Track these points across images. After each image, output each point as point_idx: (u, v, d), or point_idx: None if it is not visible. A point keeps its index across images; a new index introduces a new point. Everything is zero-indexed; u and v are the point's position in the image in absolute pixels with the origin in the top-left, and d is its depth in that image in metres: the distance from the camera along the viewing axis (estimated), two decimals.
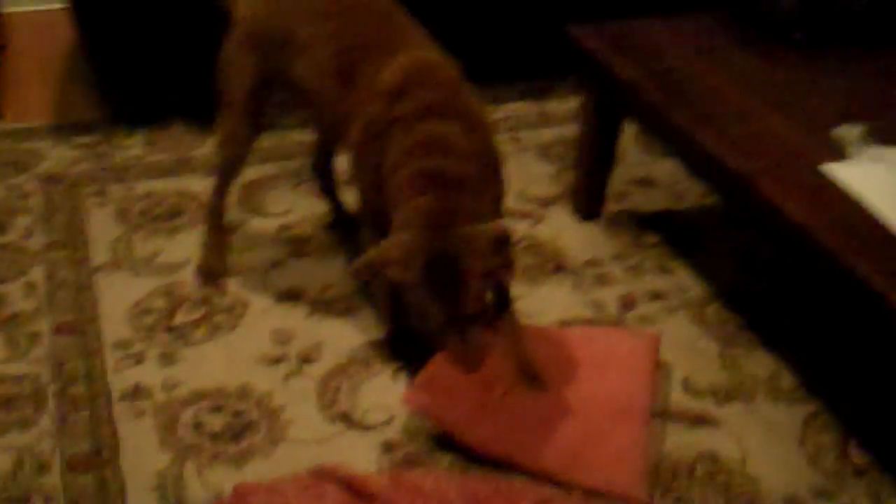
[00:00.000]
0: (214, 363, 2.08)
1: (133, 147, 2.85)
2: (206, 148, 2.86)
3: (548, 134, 3.00)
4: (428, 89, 1.87)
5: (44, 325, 2.17)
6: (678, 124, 2.11)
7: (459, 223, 1.73)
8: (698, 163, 2.13)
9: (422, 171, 1.79)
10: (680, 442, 1.92)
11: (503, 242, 1.74)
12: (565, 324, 2.21)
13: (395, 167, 1.83)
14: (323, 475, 1.74)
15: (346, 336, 2.16)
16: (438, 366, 1.90)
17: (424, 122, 1.84)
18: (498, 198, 1.97)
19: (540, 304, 2.27)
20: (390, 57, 1.93)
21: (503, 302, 2.01)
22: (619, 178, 2.72)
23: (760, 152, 1.98)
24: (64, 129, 2.93)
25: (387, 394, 2.02)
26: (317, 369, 2.07)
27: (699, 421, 1.97)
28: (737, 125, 2.08)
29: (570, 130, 2.93)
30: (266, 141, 2.82)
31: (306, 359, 2.10)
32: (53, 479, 1.81)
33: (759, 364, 2.11)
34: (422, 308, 1.74)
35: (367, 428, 1.94)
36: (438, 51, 2.01)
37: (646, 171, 2.82)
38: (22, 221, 2.52)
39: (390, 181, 1.83)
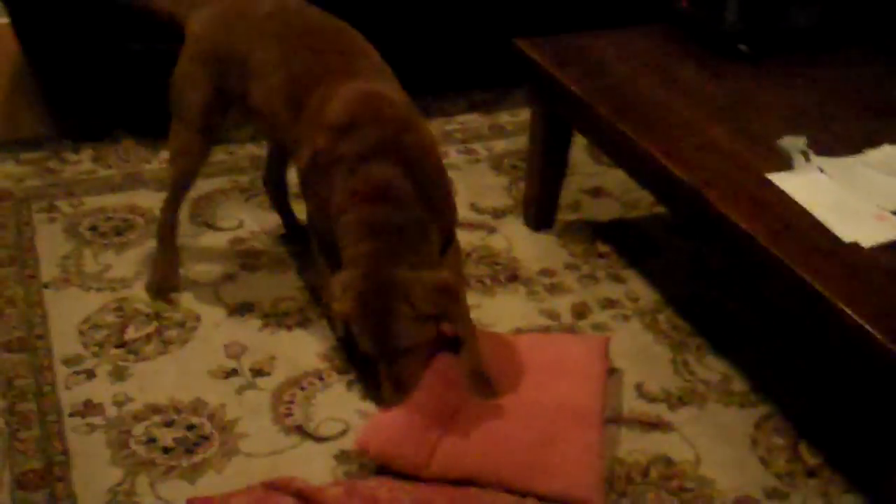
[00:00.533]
0: (166, 378, 2.06)
1: (82, 162, 2.83)
2: (155, 163, 2.84)
3: (499, 145, 3.02)
4: (372, 127, 1.87)
5: None
6: (625, 136, 2.14)
7: (398, 267, 1.79)
8: (645, 174, 2.16)
9: (364, 219, 1.83)
10: (634, 446, 1.94)
11: (444, 293, 1.80)
12: (520, 332, 2.22)
13: (339, 209, 1.86)
14: (277, 487, 1.73)
15: (298, 348, 2.15)
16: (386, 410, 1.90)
17: (368, 164, 1.84)
18: (448, 226, 1.99)
19: (495, 313, 2.28)
20: (337, 87, 1.93)
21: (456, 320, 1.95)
22: (571, 188, 2.74)
23: (706, 163, 2.01)
24: (11, 144, 2.90)
25: (341, 405, 2.01)
26: (270, 382, 2.06)
27: (652, 426, 1.99)
28: (683, 136, 2.11)
29: (522, 142, 2.95)
30: (217, 154, 2.81)
31: (259, 372, 2.09)
32: (3, 496, 1.78)
33: (711, 369, 2.14)
34: (357, 339, 1.84)
35: (321, 439, 1.93)
36: (388, 79, 2.03)
37: (597, 181, 2.84)
38: None
39: (336, 221, 1.87)
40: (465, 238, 2.54)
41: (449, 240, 2.01)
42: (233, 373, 2.08)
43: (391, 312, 1.78)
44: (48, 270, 2.37)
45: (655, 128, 2.14)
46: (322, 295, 2.17)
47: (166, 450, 1.89)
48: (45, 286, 2.31)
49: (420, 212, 1.85)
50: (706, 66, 2.42)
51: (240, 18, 2.10)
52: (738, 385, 2.09)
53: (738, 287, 2.38)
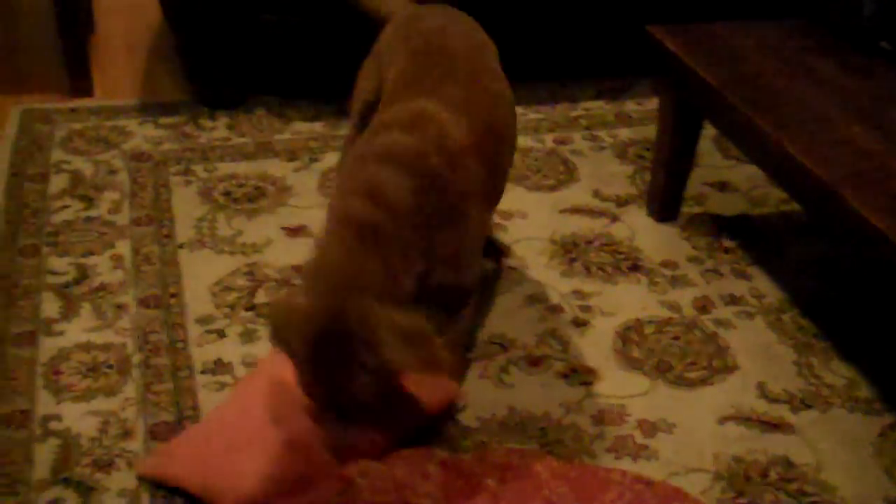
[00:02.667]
0: None
1: (217, 129, 2.91)
2: (286, 134, 2.90)
3: (625, 133, 3.00)
4: (409, 134, 1.69)
5: (129, 298, 2.22)
6: (760, 129, 2.11)
7: (363, 299, 1.49)
8: (779, 169, 2.13)
9: (342, 213, 1.59)
10: (753, 446, 1.92)
11: (418, 339, 1.49)
12: (639, 322, 2.22)
13: (332, 203, 1.68)
14: (426, 455, 1.76)
15: None
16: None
17: (380, 164, 1.66)
18: (455, 288, 1.74)
19: (615, 301, 2.28)
20: (407, 102, 1.79)
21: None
22: (697, 180, 2.72)
23: (842, 160, 1.97)
24: (150, 108, 3.00)
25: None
26: None
27: (774, 426, 1.97)
28: (820, 132, 2.07)
29: (647, 131, 2.94)
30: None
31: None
32: (136, 445, 1.86)
33: (836, 373, 2.10)
34: (302, 382, 1.55)
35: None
36: (475, 116, 1.80)
37: (724, 174, 2.81)
38: (110, 196, 2.58)
39: (328, 213, 1.68)
40: (586, 224, 2.55)
41: (456, 308, 1.78)
42: None
43: (350, 361, 1.48)
44: (183, 231, 2.45)
45: (791, 122, 2.11)
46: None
47: None
48: (181, 246, 2.40)
49: (410, 233, 1.60)
50: (846, 61, 2.36)
51: (403, 27, 2.08)
52: (864, 391, 2.06)
53: (868, 290, 2.33)
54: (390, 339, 1.47)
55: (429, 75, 1.85)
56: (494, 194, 1.92)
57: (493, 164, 1.83)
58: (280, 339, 1.54)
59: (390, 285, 1.55)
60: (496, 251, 2.39)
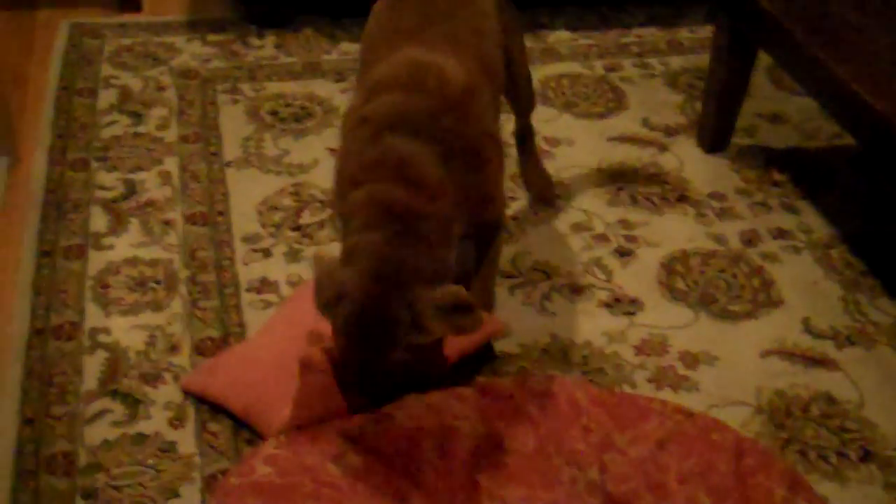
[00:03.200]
0: None
1: (264, 48, 2.90)
2: (334, 54, 2.88)
3: (676, 62, 2.95)
4: (409, 95, 1.63)
5: (177, 214, 2.24)
6: (820, 60, 2.06)
7: (409, 275, 1.51)
8: (837, 102, 2.08)
9: (377, 199, 1.56)
10: (795, 381, 1.92)
11: (460, 310, 1.51)
12: (685, 253, 2.20)
13: (353, 181, 1.62)
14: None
15: None
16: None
17: (393, 135, 1.61)
18: (488, 224, 1.75)
19: (661, 232, 2.27)
20: (397, 53, 1.73)
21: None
22: (749, 111, 2.67)
23: None
24: (198, 25, 2.99)
25: (503, 307, 2.04)
26: None
27: (817, 362, 1.96)
28: (882, 66, 2.02)
29: (700, 60, 2.88)
30: None
31: None
32: (182, 360, 1.89)
33: (883, 311, 2.08)
34: (343, 354, 1.58)
35: None
36: (471, 56, 1.75)
37: (777, 106, 2.76)
38: (157, 112, 2.59)
39: (349, 196, 1.62)
40: (634, 154, 2.52)
41: (488, 241, 1.79)
42: None
43: (392, 341, 1.52)
44: (230, 150, 2.46)
45: (848, 52, 2.06)
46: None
47: None
48: (227, 165, 2.41)
49: (446, 205, 1.59)
50: None
51: None
52: None
53: None
54: (435, 319, 1.50)
55: (407, 21, 1.81)
56: (497, 122, 1.90)
57: (491, 95, 1.80)
58: (325, 310, 1.56)
59: (436, 267, 1.56)
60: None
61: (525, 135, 2.30)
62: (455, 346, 1.75)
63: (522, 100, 2.22)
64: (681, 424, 1.72)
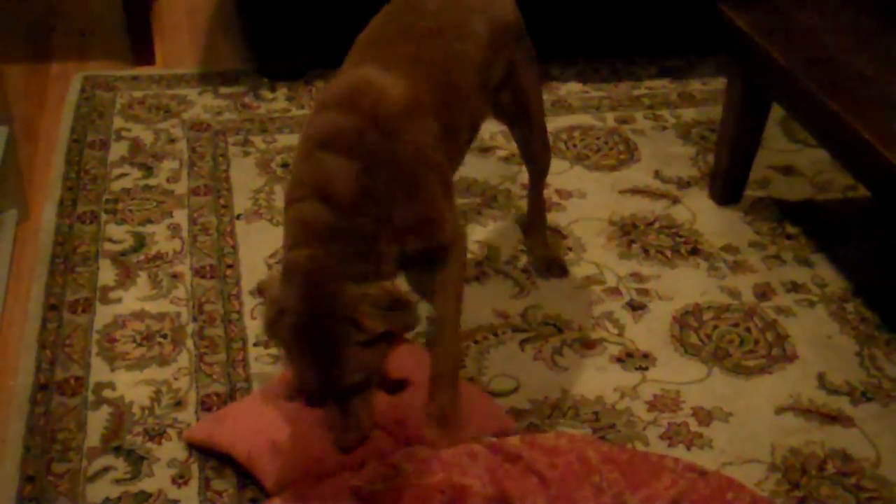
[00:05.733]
0: None
1: (276, 100, 2.90)
2: None
3: (688, 114, 2.94)
4: (344, 113, 1.67)
5: (185, 267, 2.23)
6: (834, 112, 2.05)
7: (341, 281, 1.56)
8: (851, 153, 2.07)
9: (303, 219, 1.62)
10: (811, 438, 1.88)
11: (396, 303, 1.58)
12: (698, 307, 2.18)
13: (288, 199, 1.69)
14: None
15: (475, 303, 2.16)
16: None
17: (325, 152, 1.65)
18: (436, 242, 1.73)
19: (674, 285, 2.24)
20: (351, 70, 1.78)
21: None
22: (761, 163, 2.65)
23: None
24: (210, 77, 3.00)
25: (513, 362, 2.02)
26: None
27: (832, 418, 1.92)
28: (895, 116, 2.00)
29: (712, 112, 2.87)
30: None
31: None
32: (188, 415, 1.87)
33: None
34: (295, 373, 1.63)
35: (492, 395, 1.94)
36: (421, 77, 1.75)
37: (789, 158, 2.74)
38: (168, 165, 2.59)
39: (285, 212, 1.70)
40: (647, 206, 2.50)
41: (442, 262, 1.77)
42: None
43: (337, 340, 1.55)
44: (240, 202, 2.45)
45: (862, 104, 2.04)
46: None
47: None
48: (237, 217, 2.40)
49: (367, 221, 1.61)
50: None
51: None
52: None
53: None
54: (372, 316, 1.55)
55: (386, 34, 1.85)
56: (456, 149, 1.87)
57: (448, 120, 1.78)
58: (269, 329, 1.62)
59: (364, 272, 1.59)
60: None
61: (535, 202, 2.27)
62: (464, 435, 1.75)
63: (538, 155, 2.19)
64: (694, 483, 1.69)
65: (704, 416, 1.92)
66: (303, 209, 1.63)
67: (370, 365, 1.60)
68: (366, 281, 1.58)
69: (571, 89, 3.01)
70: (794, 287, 2.25)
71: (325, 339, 1.55)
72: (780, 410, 1.94)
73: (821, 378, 2.01)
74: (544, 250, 2.28)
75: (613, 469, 1.69)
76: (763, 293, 2.23)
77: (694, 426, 1.89)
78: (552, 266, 2.26)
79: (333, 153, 1.64)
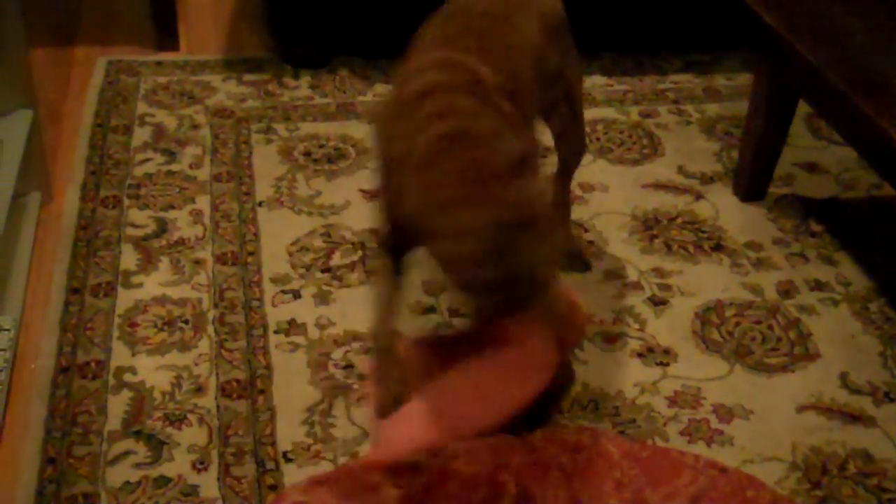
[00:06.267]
0: (367, 308, 2.11)
1: (300, 88, 2.90)
2: (369, 95, 2.88)
3: (713, 109, 2.92)
4: (443, 73, 1.65)
5: (207, 253, 2.23)
6: (861, 110, 2.03)
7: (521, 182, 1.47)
8: (878, 152, 2.04)
9: (445, 132, 1.53)
10: (832, 437, 1.87)
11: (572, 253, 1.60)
12: (720, 303, 2.16)
13: (408, 148, 1.58)
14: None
15: None
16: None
17: (434, 95, 1.60)
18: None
19: (696, 281, 2.23)
20: (426, 53, 1.76)
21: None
22: (786, 160, 2.63)
23: None
24: (234, 64, 3.00)
25: None
26: (466, 322, 2.08)
27: (855, 418, 1.91)
28: None
29: (736, 108, 2.85)
30: None
31: (456, 312, 2.11)
32: (208, 401, 1.87)
33: None
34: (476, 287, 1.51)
35: None
36: (501, 66, 1.74)
37: (814, 155, 2.72)
38: (191, 151, 2.59)
39: (407, 164, 1.57)
40: (670, 201, 2.49)
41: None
42: (430, 310, 2.11)
43: (531, 253, 1.46)
44: (262, 190, 2.45)
45: (890, 102, 2.02)
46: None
47: (362, 377, 1.93)
48: (259, 204, 2.40)
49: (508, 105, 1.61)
50: None
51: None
52: None
53: None
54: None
55: (445, 33, 1.81)
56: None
57: (521, 108, 1.77)
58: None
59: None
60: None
61: (561, 193, 2.21)
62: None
63: (573, 145, 2.16)
64: (715, 480, 1.68)
65: (725, 413, 1.91)
66: (437, 98, 1.57)
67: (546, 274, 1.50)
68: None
69: (596, 82, 2.99)
70: (818, 285, 2.24)
71: (522, 245, 1.44)
72: (802, 409, 1.93)
73: (843, 377, 2.00)
74: (568, 244, 2.27)
75: (634, 465, 1.69)
76: (786, 291, 2.22)
77: (714, 423, 1.88)
78: (575, 260, 2.24)
79: (447, 93, 1.58)
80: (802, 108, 2.64)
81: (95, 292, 2.11)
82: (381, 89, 2.90)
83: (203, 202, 2.40)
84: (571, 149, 2.17)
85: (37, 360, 1.94)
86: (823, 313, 2.16)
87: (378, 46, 3.02)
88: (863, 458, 1.83)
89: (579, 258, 2.26)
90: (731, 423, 1.89)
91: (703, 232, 2.39)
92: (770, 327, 2.12)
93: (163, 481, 1.71)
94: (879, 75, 2.13)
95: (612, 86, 2.99)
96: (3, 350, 1.87)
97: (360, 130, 2.71)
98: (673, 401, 1.93)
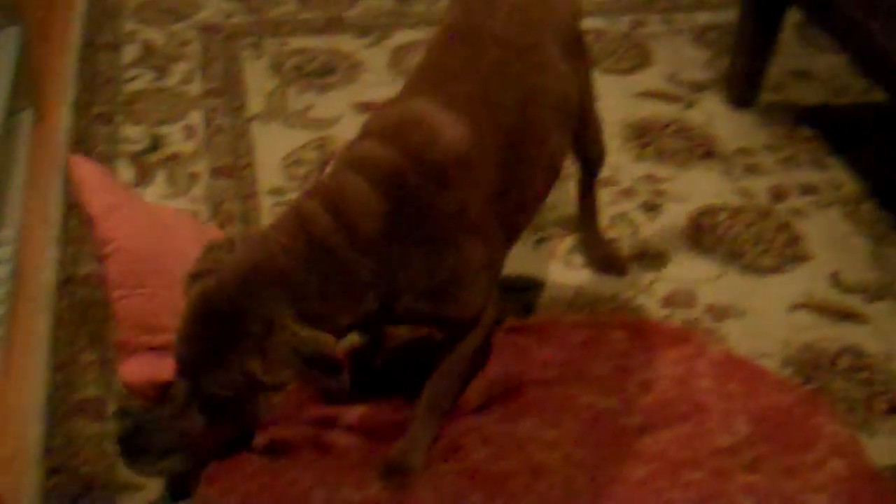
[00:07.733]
0: None
1: (287, 3, 2.88)
2: (356, 9, 2.86)
3: (703, 17, 2.91)
4: (389, 146, 1.44)
5: (202, 167, 2.24)
6: (852, 15, 2.03)
7: (278, 293, 1.34)
8: (869, 56, 2.05)
9: (300, 212, 1.41)
10: (823, 334, 1.91)
11: (320, 362, 1.33)
12: (712, 208, 2.19)
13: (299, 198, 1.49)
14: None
15: None
16: None
17: (352, 172, 1.44)
18: (456, 319, 1.53)
19: (687, 187, 2.25)
20: (404, 102, 1.55)
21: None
22: (777, 68, 2.63)
23: None
24: None
25: (527, 261, 2.04)
26: None
27: (845, 316, 1.95)
28: None
29: (727, 15, 2.84)
30: None
31: None
32: None
33: None
34: (176, 340, 1.40)
35: (507, 292, 1.96)
36: (485, 122, 1.51)
37: (805, 63, 2.72)
38: (181, 67, 2.58)
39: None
40: (662, 110, 2.50)
41: (452, 343, 1.57)
42: None
43: (230, 347, 1.35)
44: (254, 104, 2.45)
45: (881, 7, 2.02)
46: None
47: None
48: (252, 119, 2.40)
49: (366, 264, 1.39)
50: None
51: None
52: None
53: None
54: (286, 358, 1.33)
55: (447, 65, 1.58)
56: (516, 215, 1.60)
57: (512, 176, 1.55)
58: (187, 281, 1.42)
59: (320, 308, 1.36)
60: None
61: (587, 197, 2.04)
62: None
63: (591, 151, 1.96)
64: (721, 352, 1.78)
65: (719, 312, 1.94)
66: (312, 211, 1.39)
67: (246, 394, 1.36)
68: (311, 316, 1.35)
69: None
70: (809, 189, 2.26)
71: (219, 339, 1.33)
72: (794, 308, 1.96)
73: (835, 277, 2.03)
74: (603, 248, 2.05)
75: (623, 338, 1.79)
76: (778, 195, 2.24)
77: (708, 322, 1.92)
78: (613, 264, 2.03)
79: (362, 178, 1.41)
80: (793, 16, 2.63)
81: None
82: (369, 3, 2.87)
83: (195, 117, 2.39)
84: (591, 153, 1.98)
85: (39, 274, 1.95)
86: (815, 216, 2.19)
87: None
88: (853, 353, 1.87)
89: (617, 262, 2.05)
90: (725, 322, 1.92)
91: (695, 139, 2.41)
92: (762, 230, 2.14)
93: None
94: None
95: None
96: (7, 261, 1.88)
97: (349, 44, 2.70)
98: (667, 301, 1.96)
